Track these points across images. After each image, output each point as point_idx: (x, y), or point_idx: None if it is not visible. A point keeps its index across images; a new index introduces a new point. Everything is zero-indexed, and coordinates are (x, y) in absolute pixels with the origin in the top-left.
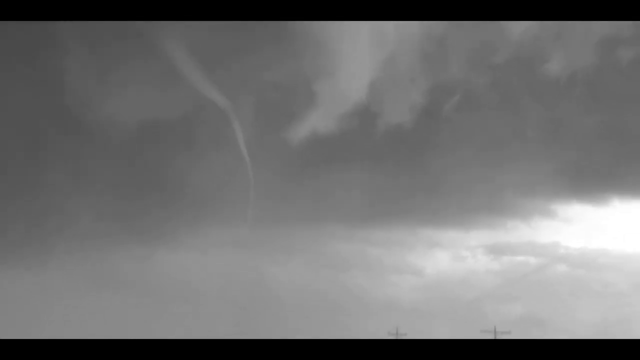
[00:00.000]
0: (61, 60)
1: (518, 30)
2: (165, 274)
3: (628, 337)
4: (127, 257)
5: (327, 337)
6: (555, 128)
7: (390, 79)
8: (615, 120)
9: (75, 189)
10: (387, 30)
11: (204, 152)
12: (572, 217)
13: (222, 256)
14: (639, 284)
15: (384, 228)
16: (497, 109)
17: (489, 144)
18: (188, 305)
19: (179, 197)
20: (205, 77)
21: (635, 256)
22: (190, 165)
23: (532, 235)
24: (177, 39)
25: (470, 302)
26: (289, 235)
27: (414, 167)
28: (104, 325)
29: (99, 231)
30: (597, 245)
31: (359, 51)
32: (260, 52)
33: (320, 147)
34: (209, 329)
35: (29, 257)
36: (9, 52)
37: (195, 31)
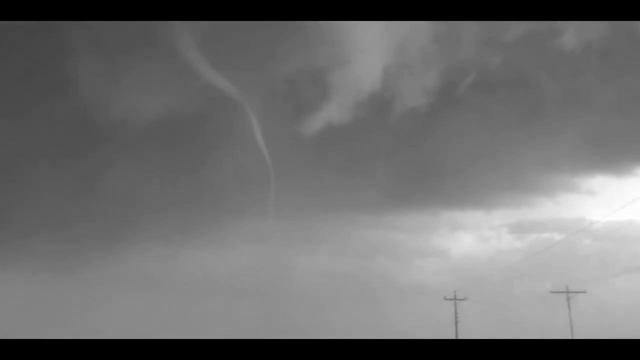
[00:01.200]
0: (72, 62)
1: None
2: (190, 271)
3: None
4: (150, 256)
5: (364, 323)
6: (572, 101)
7: (403, 64)
8: (633, 88)
9: (93, 191)
10: None
11: (220, 148)
12: (595, 190)
13: (246, 250)
14: None
15: (406, 212)
16: (513, 86)
17: (506, 121)
18: (216, 300)
19: (198, 193)
20: (218, 72)
21: None
22: (208, 161)
23: (556, 211)
24: (188, 34)
25: (498, 281)
26: (312, 226)
27: (432, 150)
28: (132, 325)
29: (120, 232)
30: (622, 217)
31: (371, 38)
32: (273, 46)
33: (336, 137)
34: (238, 322)
35: (53, 261)
36: (21, 56)
37: (206, 25)
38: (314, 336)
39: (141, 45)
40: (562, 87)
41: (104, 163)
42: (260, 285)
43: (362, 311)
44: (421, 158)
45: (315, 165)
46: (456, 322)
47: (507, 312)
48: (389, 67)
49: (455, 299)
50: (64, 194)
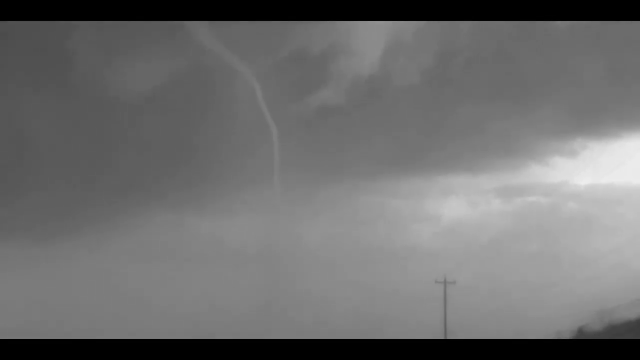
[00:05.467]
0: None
1: None
2: (197, 239)
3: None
4: (158, 226)
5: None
6: (560, 72)
7: (400, 47)
8: (617, 62)
9: (100, 164)
10: None
11: (221, 116)
12: (578, 154)
13: (250, 218)
14: None
15: (402, 179)
16: (502, 62)
17: (495, 93)
18: (223, 266)
19: (201, 162)
20: (219, 43)
21: None
22: (208, 130)
23: (541, 175)
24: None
25: (487, 244)
26: (312, 194)
27: (425, 120)
28: (142, 293)
29: (126, 204)
30: (605, 181)
31: (370, 23)
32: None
33: (333, 114)
34: (246, 286)
35: (63, 233)
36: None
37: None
38: (318, 297)
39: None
40: (551, 60)
41: (105, 137)
42: (265, 252)
43: (361, 272)
44: (414, 128)
45: (312, 140)
46: None
47: None
48: (385, 48)
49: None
50: (69, 168)
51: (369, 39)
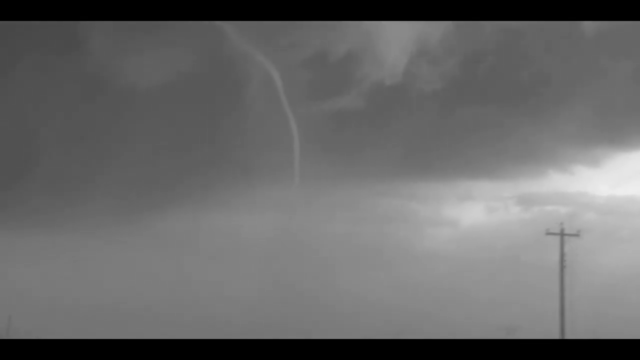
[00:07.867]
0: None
1: None
2: (211, 237)
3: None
4: (176, 221)
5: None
6: (582, 81)
7: (424, 52)
8: None
9: (115, 159)
10: None
11: (239, 110)
12: (599, 164)
13: (264, 216)
14: None
15: (419, 182)
16: (525, 69)
17: (515, 99)
18: (233, 264)
19: (220, 158)
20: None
21: None
22: (225, 126)
23: (561, 185)
24: None
25: (504, 251)
26: (331, 194)
27: (447, 124)
28: (167, 292)
29: (144, 200)
30: (624, 192)
31: (395, 28)
32: (293, 26)
33: (352, 118)
34: (263, 283)
35: (79, 228)
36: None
37: None
38: (328, 297)
39: None
40: (575, 66)
41: (119, 130)
42: (278, 250)
43: (376, 276)
44: (433, 132)
45: (330, 140)
46: None
47: None
48: (408, 53)
49: None
50: (81, 163)
51: (392, 44)
